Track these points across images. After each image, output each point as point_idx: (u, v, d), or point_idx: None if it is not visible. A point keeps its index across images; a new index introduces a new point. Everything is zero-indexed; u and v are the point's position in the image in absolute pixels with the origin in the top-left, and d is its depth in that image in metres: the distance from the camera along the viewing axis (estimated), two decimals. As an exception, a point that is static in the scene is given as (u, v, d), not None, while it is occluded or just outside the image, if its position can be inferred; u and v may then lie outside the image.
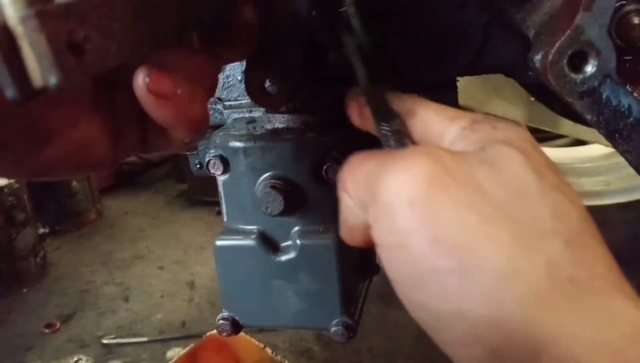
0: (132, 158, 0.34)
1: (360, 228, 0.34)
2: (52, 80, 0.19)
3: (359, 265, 0.54)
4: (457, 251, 0.27)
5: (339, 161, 0.45)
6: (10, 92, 0.19)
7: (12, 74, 0.19)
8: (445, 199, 0.28)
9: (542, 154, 0.31)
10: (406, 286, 0.29)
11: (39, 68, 0.19)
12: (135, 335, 1.59)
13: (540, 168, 0.30)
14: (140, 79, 0.28)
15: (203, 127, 0.33)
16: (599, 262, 0.27)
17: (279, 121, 0.48)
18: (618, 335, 0.25)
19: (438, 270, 0.27)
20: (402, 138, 0.35)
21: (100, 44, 0.22)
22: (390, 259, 0.30)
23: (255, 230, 0.50)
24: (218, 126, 0.52)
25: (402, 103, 0.36)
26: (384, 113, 0.36)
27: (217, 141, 0.49)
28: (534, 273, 0.26)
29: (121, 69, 0.28)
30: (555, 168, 0.31)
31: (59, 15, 0.20)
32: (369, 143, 0.37)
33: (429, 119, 0.34)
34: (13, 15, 0.19)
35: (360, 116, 0.39)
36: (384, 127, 0.36)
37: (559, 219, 0.28)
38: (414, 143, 0.35)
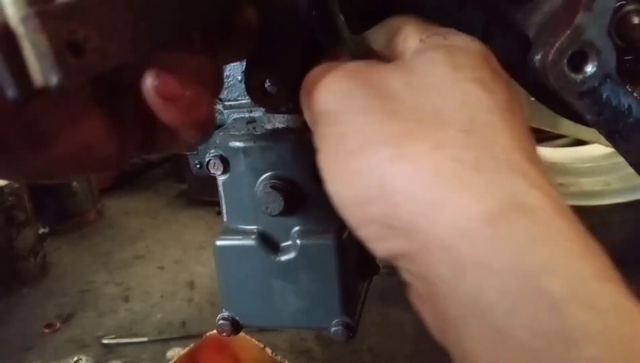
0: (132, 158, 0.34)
1: None
2: (53, 80, 0.20)
3: (359, 265, 0.54)
4: (358, 147, 0.31)
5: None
6: (11, 92, 0.19)
7: (13, 74, 0.19)
8: (353, 108, 0.32)
9: (472, 55, 0.33)
10: (327, 181, 0.33)
11: (39, 68, 0.19)
12: (135, 335, 1.59)
13: (461, 64, 0.32)
14: (149, 82, 0.28)
15: (210, 128, 0.33)
16: (496, 145, 0.29)
17: (279, 121, 0.48)
18: (496, 204, 0.26)
19: (342, 163, 0.32)
20: None
21: (101, 44, 0.22)
22: (319, 161, 0.34)
23: (255, 230, 0.50)
24: (218, 126, 0.52)
25: (392, 21, 0.40)
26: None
27: (217, 141, 0.49)
28: (417, 156, 0.29)
29: (126, 69, 0.28)
30: (484, 66, 0.33)
31: (59, 15, 0.20)
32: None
33: (407, 34, 0.37)
34: (14, 15, 0.19)
35: None
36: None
37: (462, 109, 0.30)
38: None
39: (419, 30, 0.37)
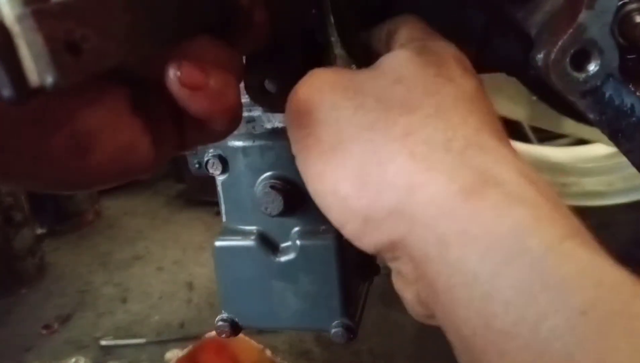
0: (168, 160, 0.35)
1: None
2: (49, 79, 0.19)
3: (360, 266, 0.54)
4: (332, 145, 0.32)
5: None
6: (6, 92, 0.19)
7: (8, 74, 0.19)
8: (324, 106, 0.33)
9: (443, 56, 0.35)
10: (307, 183, 0.35)
11: (35, 68, 0.19)
12: (133, 337, 1.58)
13: (429, 62, 0.34)
14: (172, 74, 0.28)
15: (239, 115, 0.33)
16: (463, 127, 0.31)
17: (278, 120, 0.48)
18: (469, 181, 0.28)
19: (319, 163, 0.33)
20: None
21: (99, 44, 0.21)
22: (298, 164, 0.36)
23: (255, 231, 0.49)
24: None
25: (393, 21, 0.41)
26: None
27: (216, 141, 0.48)
28: (390, 143, 0.30)
29: (152, 67, 0.28)
30: (453, 66, 0.34)
31: (56, 14, 0.19)
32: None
33: (399, 38, 0.38)
34: (9, 14, 0.19)
35: None
36: None
37: (428, 97, 0.32)
38: None
39: (408, 35, 0.38)
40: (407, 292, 0.34)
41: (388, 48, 0.39)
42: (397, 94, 0.32)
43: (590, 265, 0.25)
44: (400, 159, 0.30)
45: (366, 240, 0.32)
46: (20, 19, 0.19)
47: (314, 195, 0.34)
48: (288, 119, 0.36)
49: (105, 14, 0.22)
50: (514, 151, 0.31)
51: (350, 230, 0.33)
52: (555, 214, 0.27)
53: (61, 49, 0.19)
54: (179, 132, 0.33)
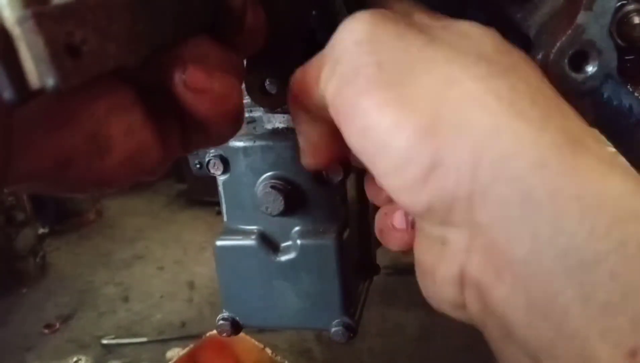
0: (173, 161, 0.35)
1: (323, 136, 0.36)
2: (50, 82, 0.19)
3: (360, 266, 0.54)
4: (398, 74, 0.28)
5: (339, 162, 0.45)
6: (7, 94, 0.19)
7: (9, 76, 0.19)
8: (386, 35, 0.30)
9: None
10: (349, 117, 0.30)
11: (36, 70, 0.19)
12: (134, 336, 1.59)
13: (486, 30, 0.32)
14: (177, 77, 0.29)
15: (241, 119, 0.34)
16: (542, 88, 0.28)
17: (279, 120, 0.48)
18: (560, 136, 0.25)
19: (377, 95, 0.28)
20: None
21: (99, 46, 0.21)
22: (341, 97, 0.30)
23: (255, 230, 0.49)
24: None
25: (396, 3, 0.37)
26: None
27: (217, 141, 0.49)
28: (472, 82, 0.27)
29: (159, 70, 0.28)
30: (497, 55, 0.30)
31: (56, 16, 0.20)
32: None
33: (420, 17, 0.35)
34: (10, 17, 0.19)
35: None
36: None
37: (501, 54, 0.29)
38: None
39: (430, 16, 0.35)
40: (443, 266, 0.29)
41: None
42: (468, 46, 0.29)
43: None
44: (484, 99, 0.26)
45: (424, 192, 0.27)
46: (20, 21, 0.19)
47: (363, 133, 0.29)
48: (338, 49, 0.31)
49: (105, 16, 0.22)
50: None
51: (408, 177, 0.27)
52: (631, 174, 0.25)
53: (61, 51, 0.20)
54: (183, 135, 0.33)
